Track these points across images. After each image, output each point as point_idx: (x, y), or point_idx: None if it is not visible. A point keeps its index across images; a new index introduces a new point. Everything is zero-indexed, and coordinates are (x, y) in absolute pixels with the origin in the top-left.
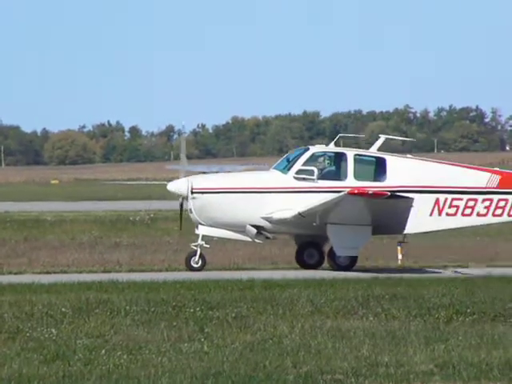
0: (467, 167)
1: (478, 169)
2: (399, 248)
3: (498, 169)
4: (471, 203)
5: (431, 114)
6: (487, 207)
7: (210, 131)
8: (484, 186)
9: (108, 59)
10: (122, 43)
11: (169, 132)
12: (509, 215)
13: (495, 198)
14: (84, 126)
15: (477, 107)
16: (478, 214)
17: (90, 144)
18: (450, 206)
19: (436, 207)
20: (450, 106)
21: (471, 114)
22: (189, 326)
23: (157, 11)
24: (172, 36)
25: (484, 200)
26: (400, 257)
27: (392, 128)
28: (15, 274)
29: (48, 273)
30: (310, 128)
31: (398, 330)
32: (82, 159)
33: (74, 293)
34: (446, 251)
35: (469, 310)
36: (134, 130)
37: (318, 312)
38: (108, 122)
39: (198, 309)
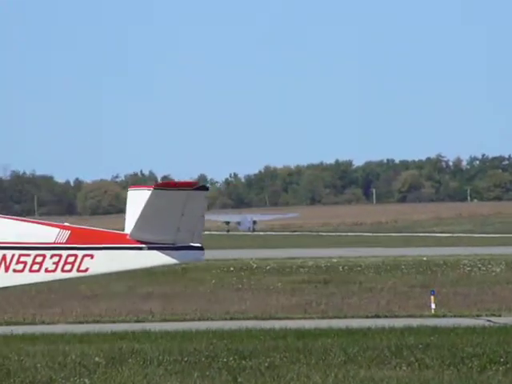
0: (37, 223)
1: (48, 224)
2: (432, 297)
3: (68, 224)
4: (39, 259)
5: (464, 163)
6: (56, 263)
7: (243, 180)
8: (53, 241)
9: (141, 109)
10: (149, 91)
11: (201, 181)
12: (78, 271)
13: (64, 253)
14: (117, 176)
15: (509, 156)
16: (47, 270)
17: (123, 194)
18: (18, 262)
19: (3, 263)
20: (483, 155)
21: (504, 163)
22: (222, 376)
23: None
24: (203, 83)
25: (52, 256)
26: (433, 305)
27: (425, 177)
28: (48, 323)
29: (81, 322)
30: (343, 177)
31: (432, 379)
32: (115, 209)
33: (107, 343)
34: (479, 300)
35: (502, 360)
36: (167, 180)
37: (351, 361)
38: (141, 171)
39: (231, 358)
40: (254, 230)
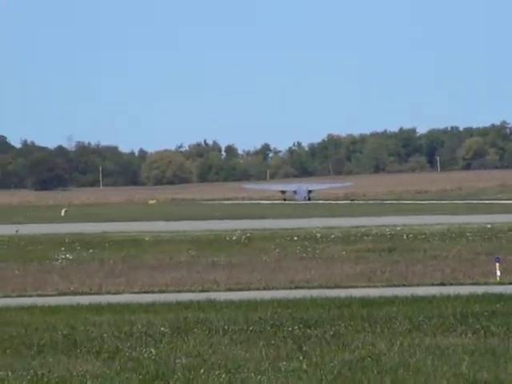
0: None
1: None
2: (497, 264)
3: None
4: None
5: None
6: None
7: (306, 149)
8: None
9: (205, 79)
10: (213, 60)
11: (265, 151)
12: None
13: None
14: (181, 146)
15: None
16: None
17: (187, 164)
18: None
19: None
20: None
21: None
22: (287, 345)
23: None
24: (267, 52)
25: None
26: (498, 273)
27: (490, 144)
28: (114, 294)
29: (146, 292)
30: (407, 145)
31: (497, 346)
32: (179, 179)
33: (172, 312)
34: None
35: None
36: (230, 150)
37: (417, 329)
38: (204, 141)
39: (296, 327)
40: (309, 199)
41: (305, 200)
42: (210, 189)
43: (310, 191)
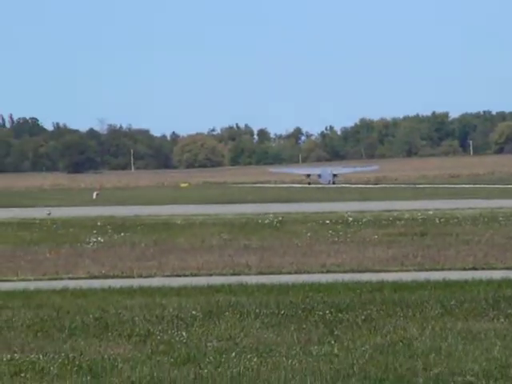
0: None
1: None
2: None
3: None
4: None
5: None
6: None
7: (339, 133)
8: None
9: (236, 64)
10: (246, 45)
11: (297, 134)
12: None
13: None
14: (213, 130)
15: None
16: None
17: (219, 147)
18: None
19: None
20: None
21: None
22: (318, 329)
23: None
24: (299, 36)
25: None
26: None
27: None
28: (145, 277)
29: (178, 276)
30: (439, 129)
31: None
32: (211, 162)
33: (203, 296)
34: None
35: None
36: (263, 133)
37: (448, 314)
38: (236, 125)
39: (327, 311)
40: (333, 183)
41: (329, 183)
42: (242, 172)
43: (334, 175)
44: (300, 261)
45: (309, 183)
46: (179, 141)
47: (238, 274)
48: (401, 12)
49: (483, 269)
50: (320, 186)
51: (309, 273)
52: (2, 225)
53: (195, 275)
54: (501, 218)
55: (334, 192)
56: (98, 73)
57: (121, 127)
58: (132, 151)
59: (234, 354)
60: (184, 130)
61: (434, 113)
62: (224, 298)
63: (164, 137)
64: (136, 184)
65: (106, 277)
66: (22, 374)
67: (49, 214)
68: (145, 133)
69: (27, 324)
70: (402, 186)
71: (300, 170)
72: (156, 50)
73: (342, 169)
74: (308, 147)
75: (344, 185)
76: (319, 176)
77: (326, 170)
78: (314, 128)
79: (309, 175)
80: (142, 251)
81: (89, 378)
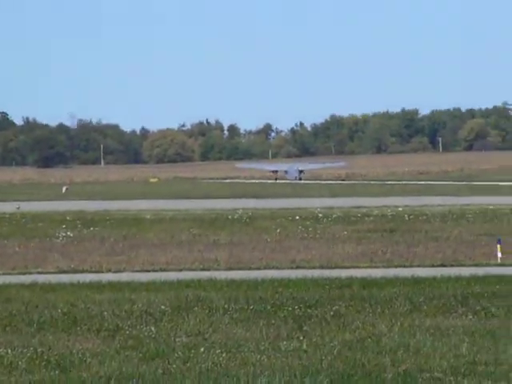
0: None
1: None
2: (499, 245)
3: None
4: None
5: None
6: None
7: (309, 129)
8: None
9: (207, 59)
10: (221, 44)
11: (267, 130)
12: None
13: None
14: (183, 125)
15: None
16: None
17: (189, 142)
18: None
19: None
20: None
21: None
22: (287, 324)
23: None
24: (270, 31)
25: None
26: (499, 254)
27: (491, 125)
28: (114, 272)
29: (147, 271)
30: (409, 126)
31: (498, 328)
32: (181, 157)
33: (173, 291)
34: None
35: None
36: (233, 129)
37: (417, 310)
38: (207, 120)
39: (296, 307)
40: (300, 179)
41: (296, 180)
42: (212, 167)
43: (301, 171)
44: (269, 256)
45: (276, 179)
46: (149, 136)
47: (208, 270)
48: (371, 8)
49: (452, 265)
50: (288, 181)
51: (278, 268)
52: None
53: (164, 270)
54: (469, 215)
55: (302, 188)
56: (68, 67)
57: (91, 122)
58: (102, 146)
59: (202, 349)
60: (154, 125)
61: (403, 109)
62: (193, 293)
63: (134, 132)
64: (106, 179)
65: (75, 271)
66: None
67: (18, 208)
68: (115, 128)
69: None
70: (372, 182)
71: (267, 166)
72: (126, 44)
73: (308, 165)
74: (278, 143)
75: (311, 181)
76: (286, 172)
77: (293, 167)
78: (284, 124)
79: (275, 171)
80: (111, 246)
81: (57, 372)
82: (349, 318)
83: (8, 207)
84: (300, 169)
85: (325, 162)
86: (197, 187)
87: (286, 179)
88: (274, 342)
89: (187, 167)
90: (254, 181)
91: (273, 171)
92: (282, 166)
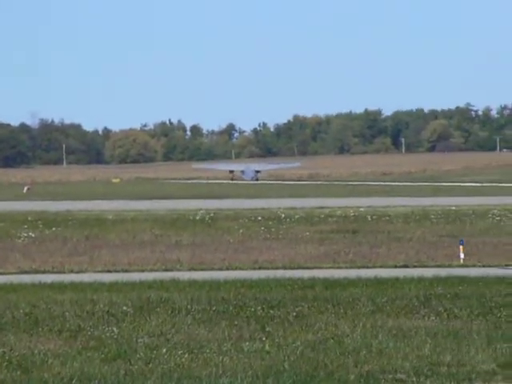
0: None
1: None
2: (461, 246)
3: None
4: None
5: (493, 112)
6: None
7: (272, 130)
8: None
9: (169, 59)
10: (177, 40)
11: (230, 130)
12: None
13: None
14: (145, 125)
15: None
16: None
17: (152, 143)
18: None
19: None
20: None
21: None
22: (250, 325)
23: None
24: (231, 32)
25: None
26: (462, 255)
27: (454, 126)
28: (76, 272)
29: (109, 271)
30: (372, 126)
31: (460, 329)
32: (144, 158)
33: (135, 291)
34: (508, 249)
35: None
36: (195, 129)
37: (380, 311)
38: (169, 120)
39: (259, 307)
40: (257, 180)
41: (252, 180)
42: (174, 168)
43: (257, 171)
44: (232, 257)
45: (232, 179)
46: (111, 136)
47: (170, 270)
48: (333, 10)
49: (415, 266)
50: (243, 182)
51: (241, 269)
52: None
53: (126, 271)
54: (432, 216)
55: (265, 189)
56: (30, 66)
57: (53, 121)
58: (64, 146)
59: (164, 350)
60: (116, 125)
61: (366, 110)
62: (155, 293)
63: (96, 132)
64: (68, 179)
65: (36, 272)
66: None
67: None
68: (77, 127)
69: None
70: (334, 182)
71: (223, 166)
72: (89, 44)
73: (265, 165)
74: (241, 143)
75: (268, 181)
76: (242, 172)
77: (249, 167)
78: (247, 124)
79: (232, 171)
80: (73, 246)
81: (19, 372)
82: (311, 318)
83: None
84: (256, 169)
85: (279, 163)
86: (159, 188)
87: (243, 179)
88: (237, 343)
89: (149, 168)
90: (218, 181)
91: (229, 171)
92: (238, 166)
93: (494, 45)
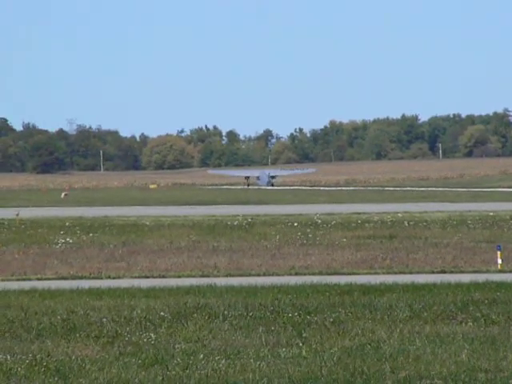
0: None
1: None
2: (499, 252)
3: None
4: None
5: None
6: None
7: (308, 135)
8: None
9: (207, 65)
10: (220, 51)
11: (266, 136)
12: None
13: None
14: (182, 131)
15: None
16: None
17: (188, 148)
18: None
19: None
20: None
21: None
22: (287, 331)
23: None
24: (270, 38)
25: None
26: (499, 261)
27: (492, 131)
28: (114, 278)
29: (146, 277)
30: (409, 132)
31: (498, 335)
32: (180, 164)
33: (172, 297)
34: None
35: None
36: (232, 135)
37: (417, 317)
38: (206, 126)
39: (296, 313)
40: (272, 185)
41: (268, 185)
42: (212, 174)
43: (272, 177)
44: (269, 263)
45: (247, 185)
46: (148, 142)
47: (207, 276)
48: (371, 14)
49: (452, 272)
50: (259, 187)
51: (278, 275)
52: None
53: (164, 277)
54: (469, 222)
55: (303, 195)
56: (69, 73)
57: (90, 128)
58: (101, 152)
59: (201, 355)
60: (153, 132)
61: (403, 115)
62: (192, 299)
63: (133, 138)
64: (105, 185)
65: (74, 277)
66: None
67: (17, 214)
68: (114, 134)
69: None
70: (371, 188)
71: (238, 172)
72: (127, 51)
73: (280, 171)
74: (277, 149)
75: (283, 187)
76: (257, 178)
77: (264, 172)
78: (283, 130)
79: (247, 177)
80: (110, 252)
81: (56, 379)
82: (348, 324)
83: (7, 213)
84: (272, 174)
85: (293, 169)
86: (196, 193)
87: (258, 185)
88: (274, 349)
89: (186, 173)
90: (256, 187)
91: (245, 177)
92: (253, 172)
93: None
